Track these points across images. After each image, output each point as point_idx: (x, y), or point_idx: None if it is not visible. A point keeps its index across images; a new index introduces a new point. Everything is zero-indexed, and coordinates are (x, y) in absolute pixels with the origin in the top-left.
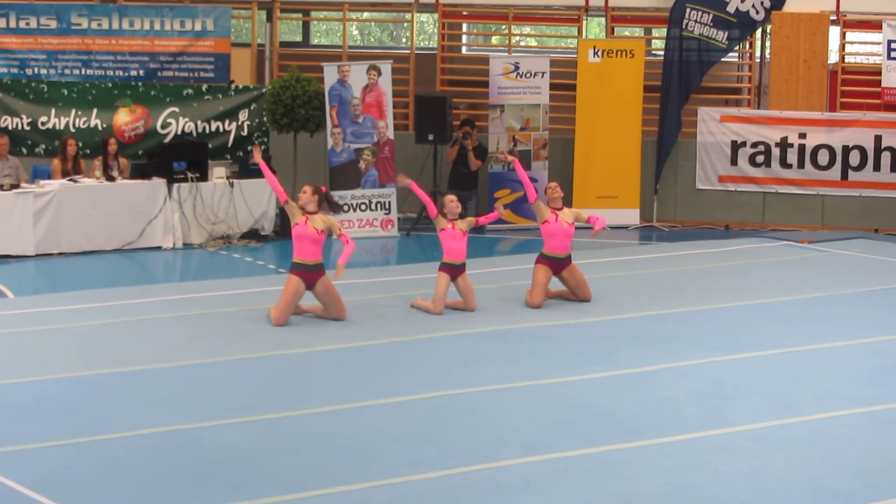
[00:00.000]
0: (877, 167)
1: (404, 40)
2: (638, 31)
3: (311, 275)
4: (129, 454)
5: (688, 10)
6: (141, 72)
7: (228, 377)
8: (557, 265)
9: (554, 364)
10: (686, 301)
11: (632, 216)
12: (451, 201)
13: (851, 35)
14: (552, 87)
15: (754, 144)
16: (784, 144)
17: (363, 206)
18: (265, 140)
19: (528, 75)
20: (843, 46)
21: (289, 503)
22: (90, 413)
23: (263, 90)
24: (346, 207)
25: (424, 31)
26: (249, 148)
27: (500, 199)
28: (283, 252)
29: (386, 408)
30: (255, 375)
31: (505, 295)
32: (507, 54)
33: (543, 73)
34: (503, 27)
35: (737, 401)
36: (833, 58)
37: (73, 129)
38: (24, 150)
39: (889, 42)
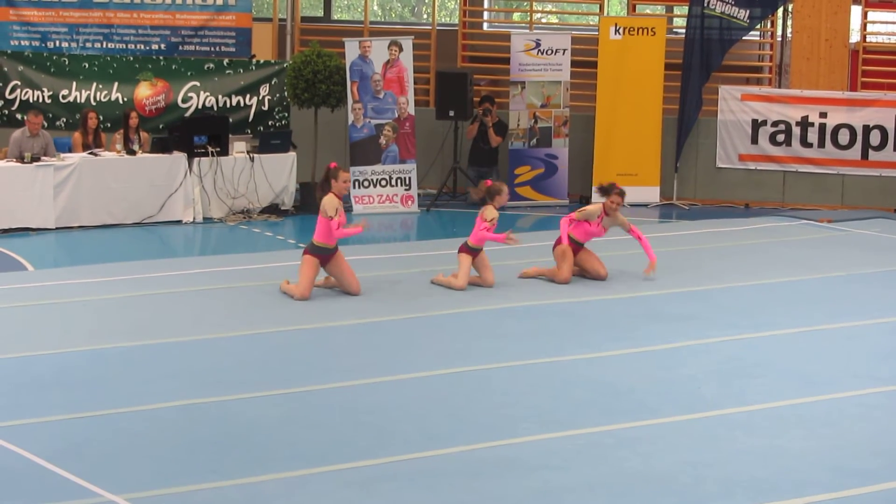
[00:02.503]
0: None
1: (426, 16)
2: (659, 9)
3: (328, 257)
4: (149, 427)
5: None
6: (162, 45)
7: (248, 351)
8: (577, 247)
9: (574, 341)
10: (705, 279)
11: (652, 194)
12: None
13: (873, 14)
14: (573, 64)
15: (775, 123)
16: (805, 123)
17: (383, 182)
18: (286, 115)
19: (550, 52)
20: (864, 26)
21: (310, 477)
22: (110, 386)
23: (284, 65)
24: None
25: (446, 6)
26: (270, 123)
27: (520, 176)
28: (304, 227)
29: (406, 383)
30: (276, 350)
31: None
32: (528, 31)
33: (565, 50)
34: (525, 4)
35: (756, 379)
36: (854, 37)
37: (93, 103)
38: (45, 124)
39: None
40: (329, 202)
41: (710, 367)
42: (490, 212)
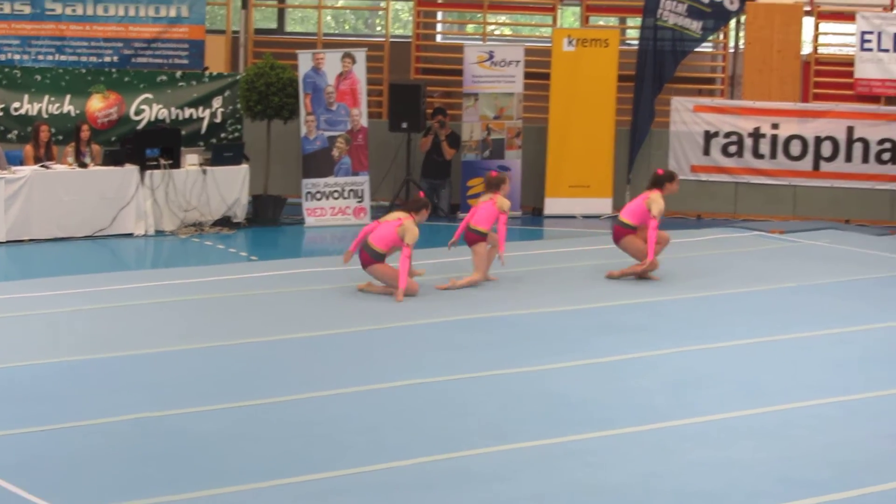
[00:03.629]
0: (848, 158)
1: (379, 28)
2: (613, 21)
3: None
4: (102, 442)
5: (663, 0)
6: (115, 58)
7: (202, 364)
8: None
9: (526, 353)
10: (657, 291)
11: (604, 205)
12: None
13: (825, 26)
14: (526, 75)
15: (727, 134)
16: (757, 135)
17: (336, 194)
18: (239, 127)
19: (503, 64)
20: (816, 37)
21: (262, 491)
22: (63, 400)
23: (237, 77)
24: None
25: (399, 18)
26: (223, 135)
27: (473, 188)
28: (255, 240)
29: (359, 396)
30: (230, 363)
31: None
32: (481, 43)
33: (518, 62)
34: (478, 15)
35: (706, 390)
36: (807, 49)
37: (45, 116)
38: None
39: (862, 33)
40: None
41: (661, 378)
42: (503, 201)
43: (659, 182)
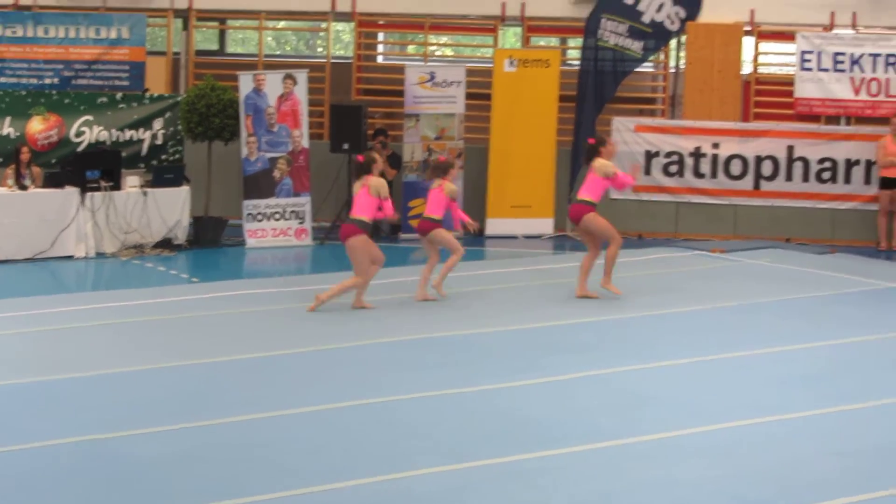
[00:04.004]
0: (789, 177)
1: (320, 49)
2: (554, 41)
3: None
4: (41, 466)
5: (603, 20)
6: (55, 80)
7: (143, 387)
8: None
9: (474, 373)
10: (602, 310)
11: (546, 225)
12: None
13: (765, 46)
14: (468, 96)
15: (668, 154)
16: (697, 154)
17: (277, 216)
18: (180, 149)
19: (444, 84)
20: (756, 57)
21: None
22: (4, 423)
23: (178, 99)
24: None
25: (341, 39)
26: (164, 157)
27: (414, 208)
28: (196, 261)
29: (304, 417)
30: (172, 385)
31: (419, 303)
32: (422, 63)
33: (459, 83)
34: (419, 36)
35: (653, 410)
36: (747, 68)
37: None
38: None
39: (802, 53)
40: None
41: (607, 397)
42: (450, 187)
43: (595, 152)
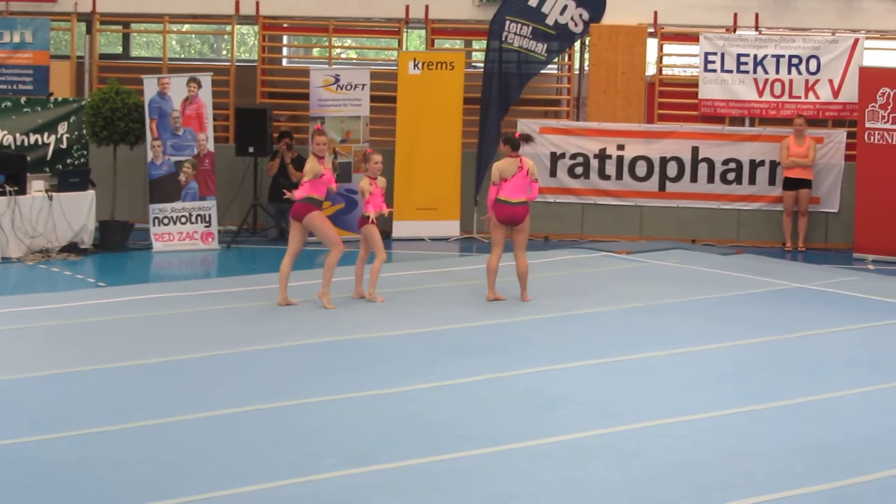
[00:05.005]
0: (694, 178)
1: (224, 52)
2: (458, 44)
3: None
4: None
5: (507, 22)
6: None
7: (46, 392)
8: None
9: (376, 376)
10: (506, 312)
11: (452, 228)
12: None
13: (669, 47)
14: (373, 99)
15: (573, 156)
16: (602, 156)
17: (183, 219)
18: (85, 153)
19: (349, 87)
20: (660, 59)
21: None
22: None
23: (83, 103)
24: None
25: (245, 42)
26: (69, 161)
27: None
28: (103, 266)
29: (206, 421)
30: (76, 390)
31: (324, 307)
32: (327, 66)
33: (364, 86)
34: (323, 39)
35: (557, 411)
36: (651, 70)
37: None
38: None
39: (706, 54)
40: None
41: (512, 399)
42: (381, 181)
43: (517, 145)
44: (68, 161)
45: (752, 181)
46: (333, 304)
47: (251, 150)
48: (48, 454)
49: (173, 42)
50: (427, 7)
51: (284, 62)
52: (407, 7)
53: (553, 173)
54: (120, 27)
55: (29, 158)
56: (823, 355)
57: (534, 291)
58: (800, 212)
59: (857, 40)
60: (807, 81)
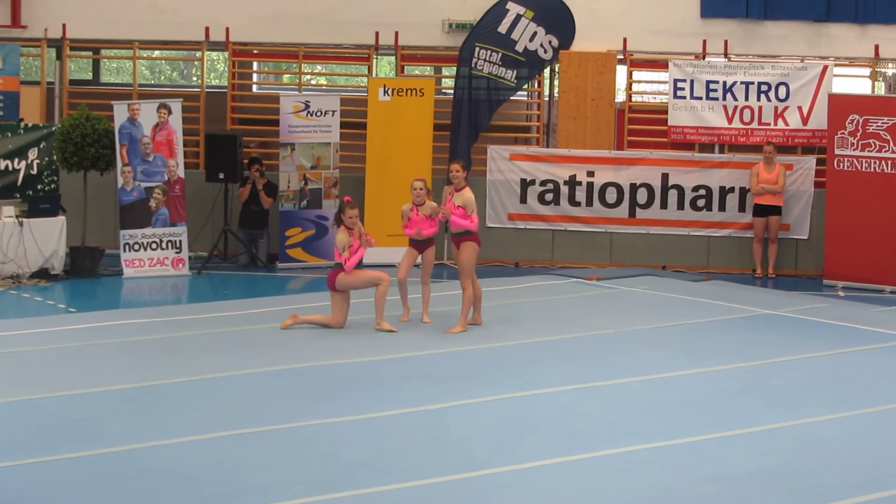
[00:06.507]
0: (664, 205)
1: (195, 78)
2: (428, 70)
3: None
4: None
5: (477, 49)
6: None
7: (15, 418)
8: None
9: (344, 403)
10: (476, 338)
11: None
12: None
13: (638, 74)
14: (343, 125)
15: (543, 182)
16: (573, 182)
17: (154, 245)
18: (55, 179)
19: (319, 114)
20: (630, 85)
21: None
22: None
23: (53, 129)
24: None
25: (215, 69)
26: (39, 186)
27: (291, 238)
28: (74, 291)
29: (176, 447)
30: (45, 416)
31: (295, 333)
32: (297, 93)
33: (334, 112)
34: (294, 66)
35: (526, 437)
36: (621, 97)
37: None
38: None
39: (675, 81)
40: (340, 238)
41: (480, 426)
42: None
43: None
44: (39, 187)
45: (722, 208)
46: (391, 324)
47: (221, 176)
48: (16, 480)
49: (143, 68)
50: (397, 34)
51: (254, 88)
52: (377, 34)
53: (523, 199)
54: (90, 53)
55: None
56: (793, 381)
57: (502, 317)
58: (770, 238)
59: (825, 67)
60: (776, 108)
